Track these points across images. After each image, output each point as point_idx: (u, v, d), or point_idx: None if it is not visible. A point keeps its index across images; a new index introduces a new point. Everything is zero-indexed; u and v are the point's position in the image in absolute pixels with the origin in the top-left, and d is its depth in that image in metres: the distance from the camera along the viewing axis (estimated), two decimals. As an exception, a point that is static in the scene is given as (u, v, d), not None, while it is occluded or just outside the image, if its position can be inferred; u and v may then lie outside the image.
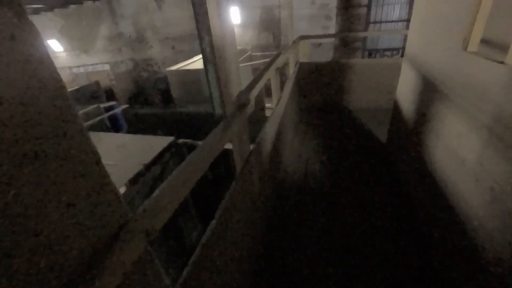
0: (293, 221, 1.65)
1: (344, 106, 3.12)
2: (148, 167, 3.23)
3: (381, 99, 2.98)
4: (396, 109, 2.03)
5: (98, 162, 0.44)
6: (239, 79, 1.00)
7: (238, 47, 8.09)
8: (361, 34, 6.07)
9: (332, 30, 7.72)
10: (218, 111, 4.65)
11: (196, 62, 6.64)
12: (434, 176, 1.31)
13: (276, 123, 1.79)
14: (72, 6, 8.53)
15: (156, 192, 0.63)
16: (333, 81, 3.10)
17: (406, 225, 1.59)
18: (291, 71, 2.80)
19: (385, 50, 7.43)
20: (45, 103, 0.34)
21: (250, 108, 1.00)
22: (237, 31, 8.26)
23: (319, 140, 2.48)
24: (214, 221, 0.88)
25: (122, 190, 2.93)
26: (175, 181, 0.66)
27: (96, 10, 8.58)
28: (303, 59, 3.16)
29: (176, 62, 7.74)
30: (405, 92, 1.84)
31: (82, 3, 8.41)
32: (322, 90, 3.10)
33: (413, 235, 1.53)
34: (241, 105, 0.99)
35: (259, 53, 7.83)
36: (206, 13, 0.87)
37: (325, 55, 7.58)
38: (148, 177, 3.18)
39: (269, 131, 1.54)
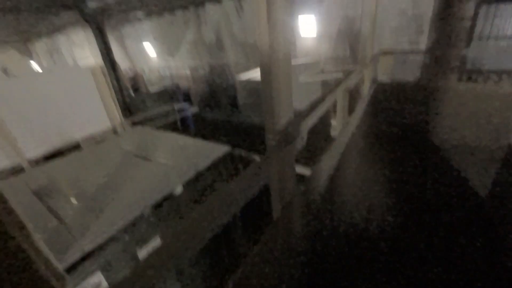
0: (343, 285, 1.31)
1: (430, 138, 2.53)
2: (200, 174, 3.26)
3: (485, 136, 2.29)
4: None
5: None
6: (290, 101, 0.79)
7: (310, 60, 7.80)
8: (466, 53, 5.00)
9: (422, 45, 6.75)
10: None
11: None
12: None
13: (338, 154, 1.49)
14: (166, 15, 9.66)
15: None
16: (419, 107, 2.55)
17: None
18: (367, 90, 2.41)
19: (492, 72, 6.07)
20: None
21: (299, 142, 0.78)
22: (311, 42, 8.00)
23: (392, 180, 2.02)
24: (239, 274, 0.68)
25: (175, 192, 3.00)
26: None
27: (185, 18, 9.52)
28: (382, 77, 2.72)
29: (248, 68, 7.92)
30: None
31: (174, 12, 9.45)
32: (403, 116, 2.58)
33: None
34: (288, 138, 0.77)
35: (332, 67, 7.38)
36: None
37: (410, 75, 6.68)
38: (199, 184, 3.19)
39: (327, 164, 1.27)
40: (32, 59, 14.27)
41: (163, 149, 3.93)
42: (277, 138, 0.77)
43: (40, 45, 13.60)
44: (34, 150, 4.49)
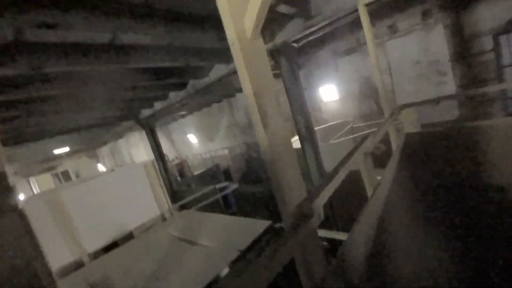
0: None
1: (483, 186, 2.25)
2: (244, 253, 3.21)
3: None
4: None
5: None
6: (299, 181, 0.85)
7: (338, 120, 8.02)
8: (493, 89, 4.74)
9: (451, 84, 6.68)
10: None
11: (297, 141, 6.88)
12: None
13: (374, 221, 1.40)
14: (205, 109, 11.15)
15: None
16: (462, 152, 2.37)
17: None
18: (394, 145, 2.37)
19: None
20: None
21: (315, 221, 0.80)
22: (335, 105, 8.37)
23: (450, 242, 1.76)
24: None
25: (221, 274, 2.95)
26: None
27: (220, 108, 10.85)
28: (410, 128, 2.69)
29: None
30: None
31: (210, 105, 10.89)
32: (447, 165, 2.39)
33: None
34: (303, 217, 0.81)
35: (362, 124, 7.45)
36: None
37: (447, 114, 6.41)
38: (243, 263, 3.12)
39: (363, 231, 1.20)
40: (98, 161, 16.83)
41: (207, 230, 4.03)
42: (292, 220, 0.81)
43: (105, 149, 16.17)
44: (94, 244, 4.89)
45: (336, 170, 1.04)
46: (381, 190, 1.61)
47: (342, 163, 1.13)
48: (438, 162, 2.35)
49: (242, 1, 0.73)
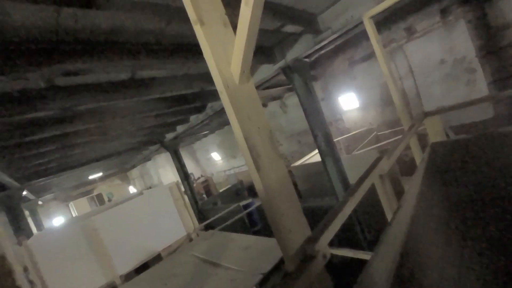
0: None
1: None
2: (267, 276, 3.15)
3: None
4: None
5: None
6: (301, 218, 0.82)
7: (361, 129, 7.75)
8: None
9: (481, 82, 6.25)
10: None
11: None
12: None
13: (398, 246, 1.29)
14: (226, 126, 11.37)
15: None
16: (495, 162, 2.15)
17: None
18: (418, 159, 2.22)
19: None
20: None
21: (320, 262, 0.76)
22: (356, 114, 8.13)
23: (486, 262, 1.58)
24: None
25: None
26: None
27: (240, 125, 11.01)
28: (435, 137, 2.51)
29: (303, 154, 8.19)
30: None
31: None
32: (475, 177, 2.19)
33: None
34: (306, 259, 0.77)
35: (386, 131, 7.15)
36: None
37: (481, 113, 5.95)
38: (267, 286, 3.06)
39: (380, 266, 1.10)
40: (129, 183, 17.67)
41: (231, 252, 4.01)
42: (294, 263, 0.77)
43: (135, 172, 16.97)
44: (125, 266, 5.05)
45: (344, 202, 0.98)
46: (404, 209, 1.50)
47: (352, 191, 1.08)
48: (469, 175, 2.16)
49: (226, 50, 0.76)
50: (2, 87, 2.18)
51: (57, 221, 14.17)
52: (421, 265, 1.33)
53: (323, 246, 0.80)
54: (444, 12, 6.38)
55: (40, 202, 12.05)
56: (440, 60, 6.65)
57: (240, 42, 0.71)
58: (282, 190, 0.84)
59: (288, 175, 0.86)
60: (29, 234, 5.97)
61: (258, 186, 0.78)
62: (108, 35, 2.12)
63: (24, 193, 6.92)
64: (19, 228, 5.78)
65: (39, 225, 10.91)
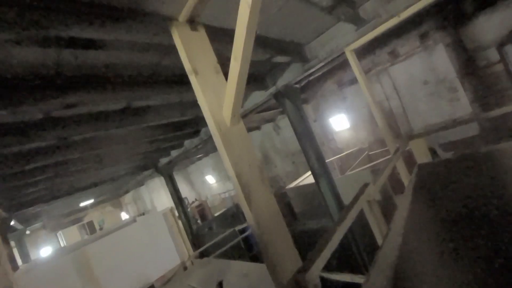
0: None
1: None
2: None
3: None
4: None
5: None
6: (291, 249, 0.85)
7: (354, 148, 7.91)
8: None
9: (464, 99, 6.54)
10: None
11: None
12: None
13: (389, 270, 1.32)
14: (219, 149, 11.44)
15: None
16: (483, 179, 2.23)
17: None
18: (406, 180, 2.30)
19: None
20: None
21: None
22: (348, 133, 8.33)
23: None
24: None
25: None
26: None
27: (234, 147, 11.09)
28: (421, 159, 2.62)
29: (298, 174, 8.23)
30: None
31: (225, 145, 11.16)
32: (467, 195, 2.25)
33: None
34: None
35: (378, 150, 7.30)
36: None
37: (468, 130, 6.16)
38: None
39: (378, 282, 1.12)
40: (121, 209, 17.23)
41: (229, 280, 3.91)
42: None
43: (128, 197, 16.62)
44: (118, 298, 4.84)
45: (332, 231, 1.03)
46: (394, 232, 1.54)
47: (340, 220, 1.12)
48: (456, 193, 2.24)
49: (217, 97, 0.84)
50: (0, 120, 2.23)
51: (45, 251, 13.59)
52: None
53: (314, 277, 0.84)
54: (423, 37, 6.80)
55: (27, 232, 11.62)
56: (423, 81, 6.99)
57: (230, 90, 0.79)
58: (273, 221, 0.89)
59: (278, 210, 0.92)
60: (15, 266, 5.73)
61: (250, 218, 0.83)
62: (106, 70, 2.22)
63: (12, 223, 6.70)
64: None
65: (25, 256, 10.40)
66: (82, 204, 10.45)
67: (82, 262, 4.73)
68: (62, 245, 14.25)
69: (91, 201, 10.37)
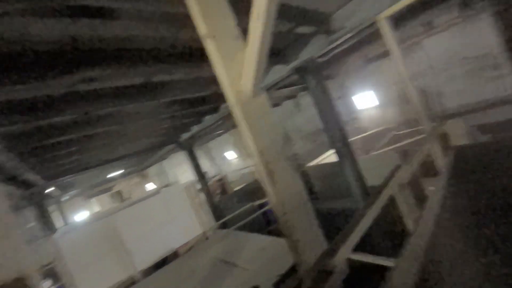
0: None
1: None
2: (283, 278, 3.14)
3: None
4: None
5: None
6: (316, 232, 0.80)
7: (379, 128, 7.55)
8: None
9: (510, 78, 5.91)
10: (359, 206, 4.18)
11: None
12: None
13: (419, 258, 1.24)
14: (239, 126, 11.43)
15: None
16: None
17: None
18: (440, 163, 2.12)
19: None
20: None
21: (338, 277, 0.73)
22: (374, 112, 7.92)
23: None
24: None
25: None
26: None
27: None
28: (458, 141, 2.40)
29: (318, 153, 8.09)
30: None
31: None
32: (508, 183, 2.04)
33: None
34: (323, 274, 0.75)
35: (407, 130, 6.90)
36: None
37: (507, 113, 5.63)
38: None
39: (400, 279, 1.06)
40: (147, 181, 18.18)
41: (247, 252, 4.03)
42: (310, 278, 0.75)
43: (151, 170, 17.42)
44: (144, 262, 5.21)
45: (362, 214, 0.95)
46: (426, 218, 1.44)
47: (370, 203, 1.04)
48: (496, 179, 2.04)
49: (236, 64, 0.75)
50: (26, 95, 2.30)
51: (82, 215, 15.06)
52: (443, 278, 1.28)
53: (342, 261, 0.78)
54: (464, 6, 6.06)
55: (66, 197, 12.72)
56: (462, 56, 6.35)
57: (251, 56, 0.70)
58: (298, 203, 0.83)
59: (303, 189, 0.85)
60: (53, 229, 6.29)
61: (274, 200, 0.78)
62: (123, 43, 2.18)
63: (50, 189, 7.29)
64: (45, 223, 6.10)
65: (64, 219, 11.58)
66: (110, 176, 11.13)
67: (111, 228, 5.07)
68: (96, 210, 15.61)
69: (118, 172, 10.99)
